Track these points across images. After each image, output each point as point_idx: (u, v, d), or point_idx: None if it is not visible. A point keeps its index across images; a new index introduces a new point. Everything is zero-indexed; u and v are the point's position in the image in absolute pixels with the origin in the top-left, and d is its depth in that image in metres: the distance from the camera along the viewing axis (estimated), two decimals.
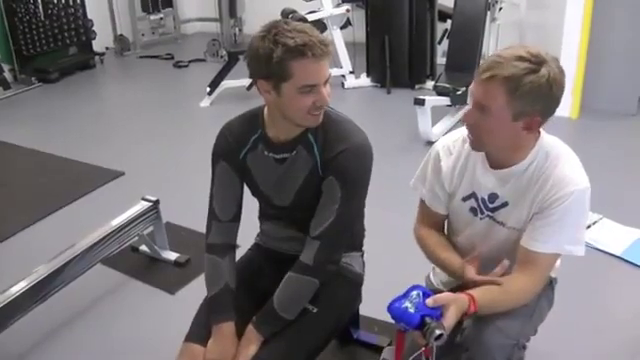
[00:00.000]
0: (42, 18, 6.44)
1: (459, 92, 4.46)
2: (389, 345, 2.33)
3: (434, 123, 4.57)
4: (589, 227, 3.22)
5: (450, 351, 1.77)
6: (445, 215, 1.97)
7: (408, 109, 4.63)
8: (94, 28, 6.96)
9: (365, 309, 2.29)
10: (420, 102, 4.37)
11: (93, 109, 5.87)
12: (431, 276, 2.11)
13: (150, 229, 3.13)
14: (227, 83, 5.71)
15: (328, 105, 1.77)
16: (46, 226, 3.65)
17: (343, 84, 5.94)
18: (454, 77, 4.77)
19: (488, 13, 5.00)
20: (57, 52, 6.70)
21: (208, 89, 5.68)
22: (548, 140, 1.74)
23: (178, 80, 6.68)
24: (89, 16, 6.91)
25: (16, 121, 5.55)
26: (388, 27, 5.67)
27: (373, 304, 2.16)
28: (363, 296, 2.12)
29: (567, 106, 4.73)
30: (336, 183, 1.78)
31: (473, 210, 1.85)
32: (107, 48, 7.43)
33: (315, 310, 1.86)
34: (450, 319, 1.58)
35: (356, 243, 2.08)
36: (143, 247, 3.24)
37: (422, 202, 1.99)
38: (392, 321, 1.64)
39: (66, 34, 6.68)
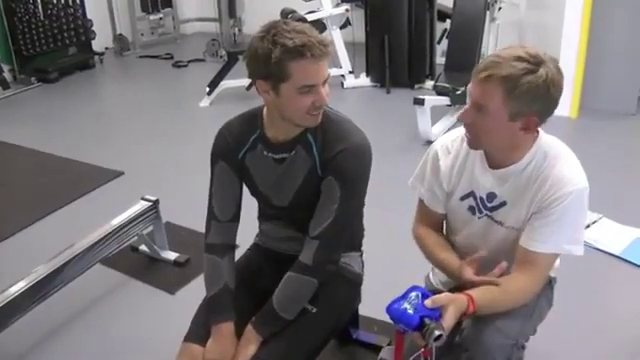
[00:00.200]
0: (41, 18, 6.44)
1: (458, 92, 4.46)
2: (388, 345, 2.33)
3: (433, 123, 4.58)
4: (588, 227, 3.22)
5: (449, 351, 1.77)
6: (443, 214, 1.97)
7: (407, 109, 4.63)
8: (93, 28, 6.96)
9: (364, 309, 2.29)
10: (419, 102, 4.38)
11: (92, 109, 5.87)
12: (430, 276, 2.11)
13: (150, 229, 3.13)
14: (226, 83, 5.71)
15: (327, 105, 1.77)
16: (45, 226, 3.65)
17: (342, 84, 5.94)
18: (453, 77, 4.77)
19: (487, 13, 5.00)
20: (56, 52, 6.70)
21: (207, 89, 5.68)
22: (547, 140, 1.74)
23: (177, 80, 6.68)
24: (88, 16, 6.91)
25: (15, 121, 5.55)
26: (387, 27, 5.67)
27: (372, 304, 2.16)
28: (362, 296, 2.12)
29: (566, 106, 4.73)
30: (335, 183, 1.78)
31: (471, 209, 1.85)
32: (106, 48, 7.42)
33: (314, 310, 1.86)
34: (449, 320, 1.58)
35: (355, 243, 2.08)
36: (143, 247, 3.24)
37: (421, 201, 1.99)
38: (391, 321, 1.64)
39: (65, 34, 6.68)
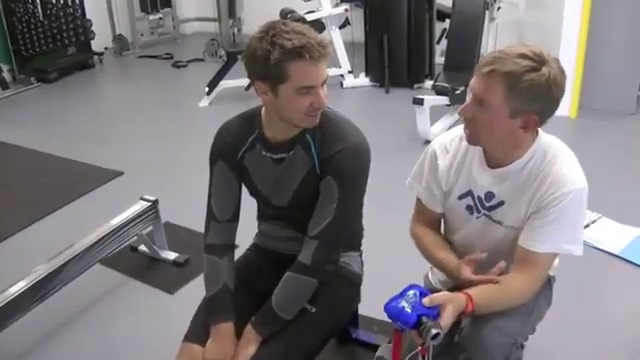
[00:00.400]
0: (41, 18, 6.44)
1: (458, 91, 4.46)
2: (388, 343, 2.33)
3: (433, 122, 4.58)
4: (588, 226, 3.22)
5: (448, 351, 1.78)
6: (441, 213, 1.97)
7: (407, 108, 4.63)
8: (93, 28, 6.96)
9: (364, 308, 2.29)
10: (419, 101, 4.38)
11: (92, 109, 5.87)
12: (429, 275, 2.11)
13: (149, 229, 3.13)
14: (226, 83, 5.71)
15: (326, 106, 1.77)
16: (45, 226, 3.65)
17: (342, 84, 5.94)
18: (453, 76, 4.77)
19: (487, 12, 4.99)
20: (56, 52, 6.69)
21: (207, 89, 5.68)
22: (546, 139, 1.75)
23: (177, 80, 6.68)
24: (88, 16, 6.90)
25: (15, 121, 5.54)
26: (387, 27, 5.67)
27: (372, 303, 2.15)
28: (362, 296, 2.12)
29: (566, 105, 4.73)
30: (334, 183, 1.78)
31: (469, 208, 1.85)
32: (106, 48, 7.41)
33: (314, 310, 1.86)
34: (447, 318, 1.58)
35: (354, 243, 2.08)
36: (142, 247, 3.24)
37: (418, 200, 1.99)
38: (389, 319, 1.64)
39: (65, 34, 6.68)
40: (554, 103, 1.63)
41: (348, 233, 1.94)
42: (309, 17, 5.50)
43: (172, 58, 7.20)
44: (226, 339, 1.82)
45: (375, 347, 2.38)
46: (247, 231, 2.14)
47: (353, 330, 2.42)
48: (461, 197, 1.86)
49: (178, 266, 3.15)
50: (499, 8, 5.25)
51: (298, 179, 1.84)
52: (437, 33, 5.97)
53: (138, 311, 2.87)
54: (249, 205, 2.04)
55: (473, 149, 1.81)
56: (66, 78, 6.64)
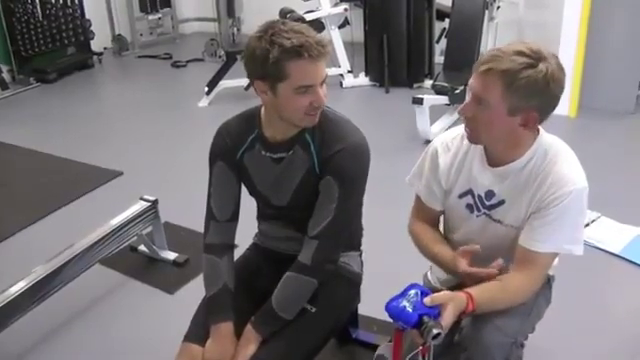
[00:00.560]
0: (40, 18, 6.44)
1: (457, 91, 4.46)
2: (389, 342, 2.33)
3: (432, 122, 4.58)
4: (587, 225, 3.22)
5: (448, 350, 1.78)
6: (440, 211, 1.97)
7: (406, 108, 4.63)
8: (92, 28, 6.96)
9: (364, 308, 2.29)
10: (418, 101, 4.38)
11: (91, 109, 5.87)
12: (429, 275, 2.11)
13: (149, 229, 3.13)
14: (225, 83, 5.71)
15: (325, 105, 1.77)
16: (45, 226, 3.65)
17: (341, 83, 5.93)
18: (452, 76, 4.77)
19: (486, 12, 4.99)
20: (55, 52, 6.69)
21: (206, 89, 5.68)
22: (547, 138, 1.75)
23: (176, 80, 6.68)
24: (87, 16, 6.90)
25: (14, 121, 5.54)
26: (386, 26, 5.67)
27: (372, 303, 2.15)
28: (362, 295, 2.12)
29: (565, 105, 4.73)
30: (334, 182, 1.78)
31: (469, 207, 1.85)
32: (105, 48, 7.41)
33: (314, 310, 1.86)
34: (448, 318, 1.58)
35: (354, 242, 2.08)
36: (142, 247, 3.24)
37: (418, 198, 2.00)
38: (391, 320, 1.64)
39: (64, 34, 6.67)
40: (553, 99, 1.63)
41: (348, 233, 1.94)
42: (308, 17, 5.50)
43: (171, 58, 7.20)
44: (226, 339, 1.81)
45: (375, 347, 2.37)
46: (247, 231, 2.14)
47: (353, 330, 2.42)
48: (461, 196, 1.86)
49: (178, 266, 3.15)
50: (499, 7, 5.25)
51: (297, 179, 1.84)
52: (437, 32, 5.96)
53: (138, 311, 2.87)
54: (249, 205, 2.04)
55: (474, 148, 1.81)
56: (65, 78, 6.64)
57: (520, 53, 1.58)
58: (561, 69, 1.61)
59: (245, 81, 5.16)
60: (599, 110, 4.88)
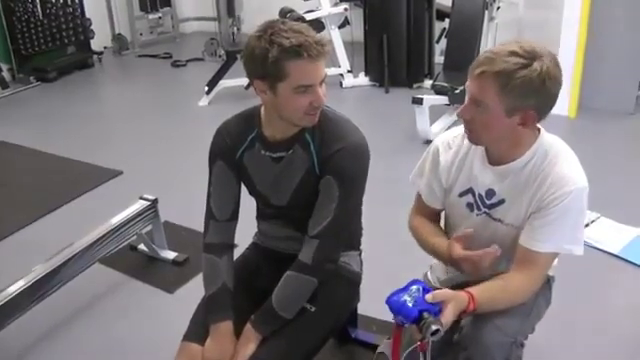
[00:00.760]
0: (40, 17, 6.44)
1: (457, 91, 4.46)
2: (388, 339, 2.33)
3: (432, 122, 4.58)
4: (587, 226, 3.22)
5: (448, 350, 1.78)
6: (441, 210, 1.98)
7: (406, 108, 4.63)
8: (92, 27, 6.96)
9: (363, 308, 2.29)
10: (418, 101, 4.38)
11: (91, 108, 5.87)
12: (429, 274, 2.11)
13: (148, 228, 3.13)
14: (225, 82, 5.71)
15: (324, 105, 1.77)
16: (44, 225, 3.65)
17: (341, 83, 5.94)
18: (452, 76, 4.77)
19: (486, 12, 5.00)
20: (55, 51, 6.69)
21: (206, 88, 5.68)
22: (548, 138, 1.75)
23: (176, 79, 6.68)
24: (87, 15, 6.91)
25: (14, 120, 5.54)
26: (386, 26, 5.67)
27: (371, 303, 2.16)
28: (361, 295, 2.12)
29: (565, 105, 4.73)
30: (334, 182, 1.78)
31: (470, 206, 1.85)
32: (105, 47, 7.42)
33: (313, 309, 1.86)
34: (448, 316, 1.58)
35: (354, 242, 2.08)
36: (141, 246, 3.24)
37: (419, 196, 2.00)
38: (390, 320, 1.64)
39: (64, 33, 6.68)
40: (550, 97, 1.62)
41: (348, 232, 1.95)
42: (308, 16, 5.50)
43: (171, 57, 7.20)
44: (225, 338, 1.82)
45: (374, 347, 2.38)
46: (246, 230, 2.14)
47: (352, 330, 2.42)
48: (462, 194, 1.86)
49: (177, 265, 3.15)
50: (498, 7, 5.25)
51: (297, 178, 1.84)
52: (436, 32, 5.96)
53: (137, 310, 2.87)
54: (248, 204, 2.04)
55: (475, 146, 1.81)
56: (65, 77, 6.64)
57: (513, 53, 1.57)
58: (556, 66, 1.60)
59: (245, 80, 5.16)
60: (599, 110, 4.88)
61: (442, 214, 2.03)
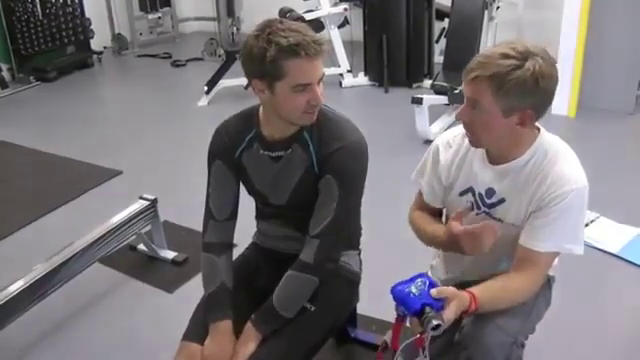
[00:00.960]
0: (40, 17, 6.44)
1: (456, 91, 4.46)
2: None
3: (432, 122, 4.58)
4: (587, 226, 3.21)
5: (449, 349, 1.78)
6: (441, 208, 1.98)
7: (406, 108, 4.63)
8: (92, 27, 6.97)
9: (362, 308, 2.29)
10: (418, 101, 4.38)
11: (91, 108, 5.87)
12: (429, 274, 2.11)
13: (148, 228, 3.13)
14: (225, 82, 5.71)
15: (323, 104, 1.77)
16: (44, 225, 3.65)
17: (341, 83, 5.94)
18: (451, 76, 4.77)
19: (486, 12, 5.00)
20: (55, 51, 6.70)
21: (206, 88, 5.68)
22: (547, 138, 1.75)
23: (176, 79, 6.68)
24: (87, 15, 6.91)
25: (14, 120, 5.55)
26: (386, 26, 5.67)
27: (370, 303, 2.16)
28: (360, 295, 2.12)
29: (564, 105, 4.72)
30: (334, 181, 1.78)
31: (470, 205, 1.85)
32: (105, 47, 7.42)
33: (313, 309, 1.86)
34: (450, 313, 1.58)
35: (353, 242, 2.08)
36: (141, 246, 3.24)
37: (420, 194, 2.00)
38: (390, 319, 1.64)
39: (64, 33, 6.68)
40: (546, 95, 1.62)
41: (348, 231, 1.94)
42: (308, 16, 5.50)
43: (171, 57, 7.21)
44: (225, 337, 1.81)
45: (374, 346, 2.38)
46: (246, 230, 2.14)
47: (352, 329, 2.42)
48: (462, 194, 1.86)
49: (177, 265, 3.15)
50: (498, 7, 5.25)
51: (296, 177, 1.84)
52: (436, 32, 5.97)
53: (137, 310, 2.87)
54: (248, 204, 2.04)
55: None
56: (65, 77, 6.65)
57: (505, 56, 1.57)
58: (550, 64, 1.60)
59: (245, 80, 5.14)
60: (599, 110, 4.88)
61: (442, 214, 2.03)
